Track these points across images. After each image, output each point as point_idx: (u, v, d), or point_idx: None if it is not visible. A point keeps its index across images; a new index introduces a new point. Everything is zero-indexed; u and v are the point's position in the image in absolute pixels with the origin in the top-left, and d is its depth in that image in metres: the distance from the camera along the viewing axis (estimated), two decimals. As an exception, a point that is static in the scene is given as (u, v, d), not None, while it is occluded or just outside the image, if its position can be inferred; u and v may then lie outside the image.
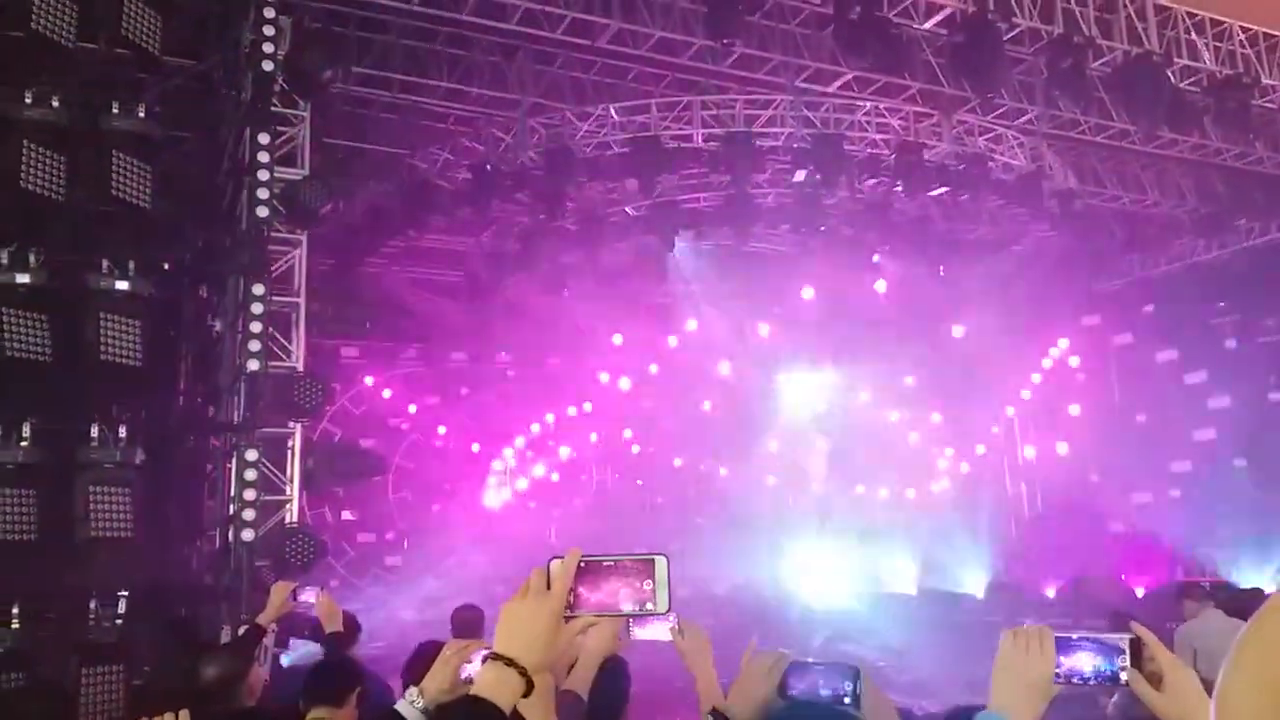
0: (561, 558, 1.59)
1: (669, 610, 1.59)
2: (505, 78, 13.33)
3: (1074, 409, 19.35)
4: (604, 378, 19.46)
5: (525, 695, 1.55)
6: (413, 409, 18.42)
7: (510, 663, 1.53)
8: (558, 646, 1.58)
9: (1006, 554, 19.81)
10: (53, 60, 8.29)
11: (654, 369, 19.13)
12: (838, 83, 13.36)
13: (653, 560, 1.59)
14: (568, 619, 1.58)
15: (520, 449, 20.28)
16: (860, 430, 21.31)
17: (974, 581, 19.90)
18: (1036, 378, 19.61)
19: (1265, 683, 0.70)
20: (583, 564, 1.59)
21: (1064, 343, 19.45)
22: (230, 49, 10.53)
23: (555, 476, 20.46)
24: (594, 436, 20.53)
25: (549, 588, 1.57)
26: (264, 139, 9.77)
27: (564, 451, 20.63)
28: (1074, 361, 19.67)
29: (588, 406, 20.15)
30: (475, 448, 19.44)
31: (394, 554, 17.86)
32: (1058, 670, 1.85)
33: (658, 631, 2.68)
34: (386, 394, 18.11)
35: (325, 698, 3.65)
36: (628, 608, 1.60)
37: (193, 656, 4.82)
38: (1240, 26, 13.39)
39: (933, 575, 20.22)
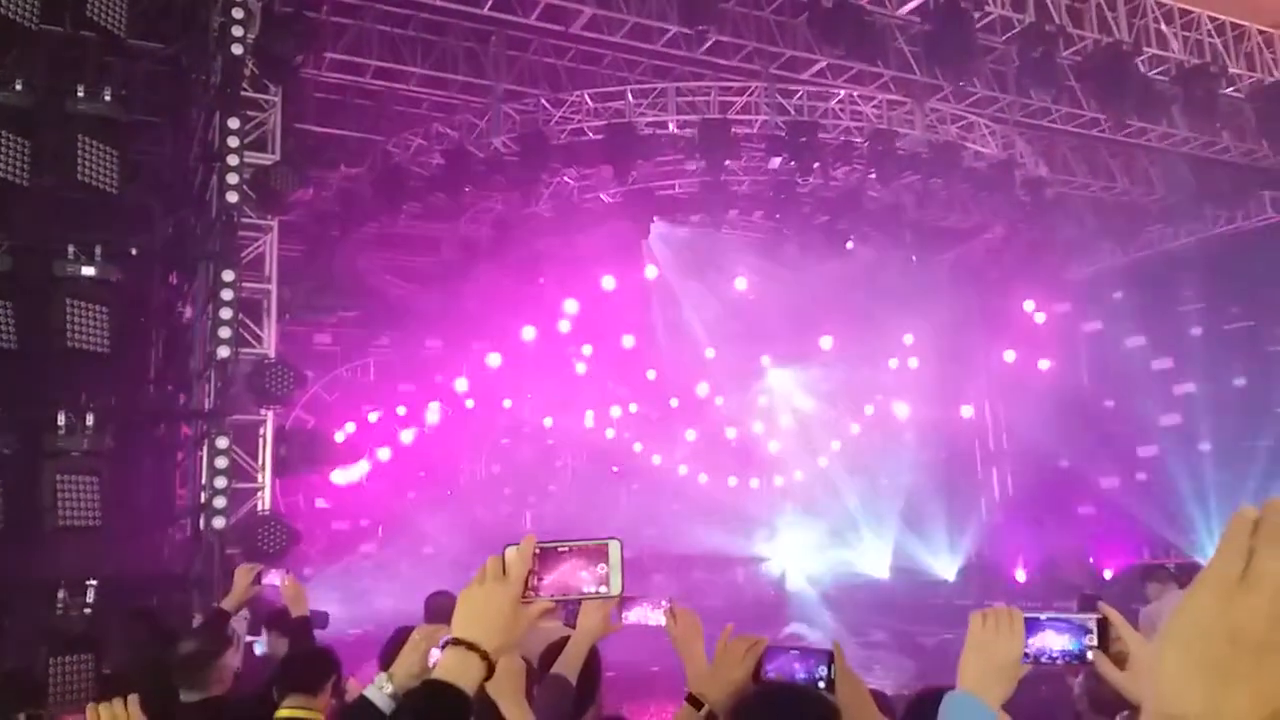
0: (516, 544, 1.61)
1: (622, 592, 1.62)
2: (479, 63, 13.24)
3: (1043, 394, 19.55)
4: (580, 368, 19.44)
5: (487, 678, 1.57)
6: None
7: (471, 646, 1.56)
8: (517, 630, 1.61)
9: (978, 537, 20.06)
10: (16, 42, 8.17)
11: (630, 340, 19.02)
12: (812, 70, 13.39)
13: (606, 545, 1.62)
14: (525, 603, 1.61)
15: (495, 435, 20.24)
16: (833, 416, 21.47)
17: (946, 564, 20.15)
18: (1009, 356, 19.76)
19: (1196, 660, 0.71)
20: (538, 550, 1.62)
21: (1036, 325, 19.61)
22: (199, 32, 10.39)
23: (529, 469, 20.43)
24: (569, 421, 20.51)
25: (505, 573, 1.60)
26: (234, 124, 9.67)
27: (539, 437, 20.61)
28: (1042, 355, 19.85)
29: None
30: (467, 428, 19.36)
31: (369, 541, 17.80)
32: (1026, 650, 1.87)
33: (649, 616, 2.70)
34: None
35: (300, 686, 3.61)
36: (583, 591, 1.63)
37: (163, 645, 4.78)
38: (1208, 16, 13.52)
39: (905, 558, 20.45)
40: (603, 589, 1.61)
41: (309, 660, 3.88)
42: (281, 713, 3.49)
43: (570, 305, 17.48)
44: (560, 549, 1.63)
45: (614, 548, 1.62)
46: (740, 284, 18.31)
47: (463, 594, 1.62)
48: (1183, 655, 0.71)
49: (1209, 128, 14.23)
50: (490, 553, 1.64)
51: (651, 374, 19.85)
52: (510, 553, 1.61)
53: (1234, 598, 0.70)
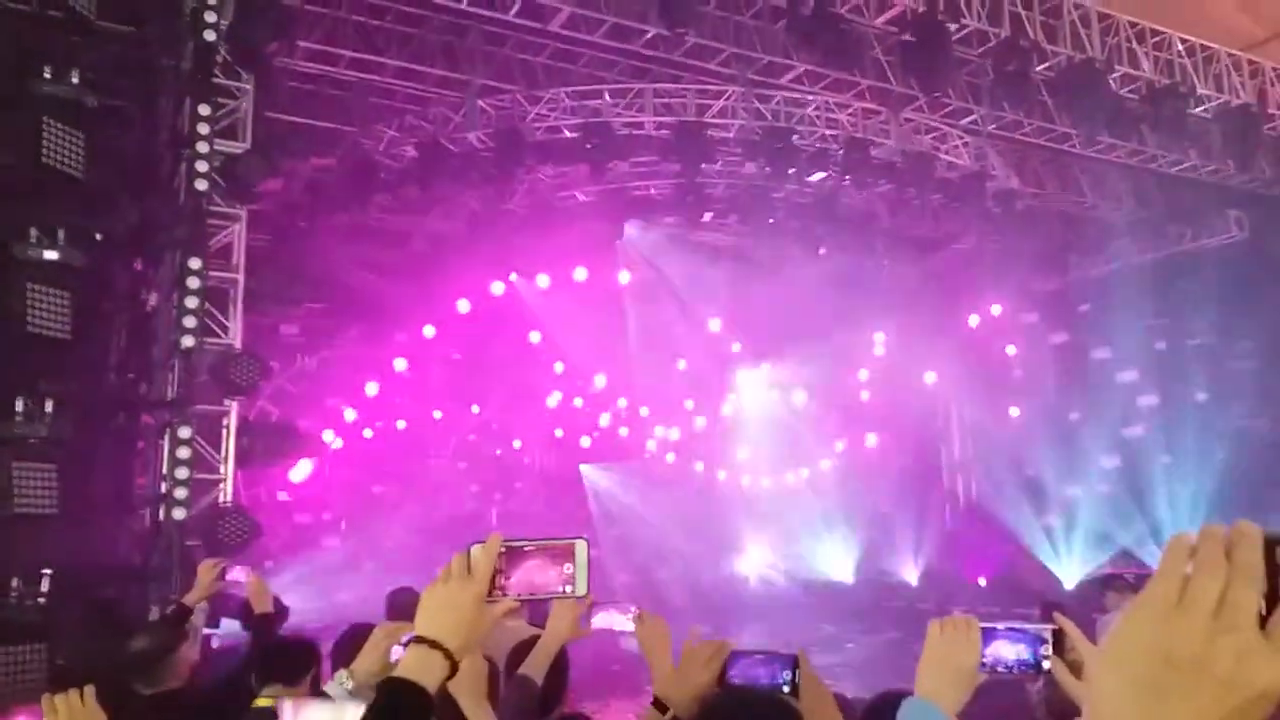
0: (483, 543, 1.61)
1: (588, 593, 1.62)
2: (456, 58, 13.18)
3: (1011, 405, 19.78)
4: (558, 367, 19.39)
5: (449, 677, 1.56)
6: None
7: (434, 645, 1.55)
8: (480, 629, 1.60)
9: (941, 543, 20.25)
10: (-19, 21, 8.01)
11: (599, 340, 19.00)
12: (789, 76, 13.44)
13: (573, 544, 1.61)
14: (490, 603, 1.60)
15: (462, 432, 20.15)
16: (800, 420, 21.59)
17: (909, 569, 20.33)
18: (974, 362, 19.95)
19: (1133, 679, 0.73)
20: (504, 549, 1.61)
21: (1003, 335, 19.83)
22: (170, 16, 10.23)
23: (496, 466, 20.36)
24: (537, 419, 20.49)
25: (470, 572, 1.59)
26: (204, 111, 9.56)
27: (506, 435, 20.56)
28: (1009, 365, 20.07)
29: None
30: (433, 424, 19.26)
31: (331, 535, 17.63)
32: (983, 659, 1.92)
33: (617, 620, 2.70)
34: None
35: (280, 677, 3.58)
36: (550, 590, 1.62)
37: (119, 637, 4.72)
38: (1179, 37, 13.75)
39: (869, 563, 20.61)
40: (569, 589, 1.60)
41: (291, 651, 3.85)
42: (260, 702, 3.47)
43: (544, 305, 17.48)
44: (526, 548, 1.61)
45: (580, 547, 1.61)
46: (713, 285, 18.37)
47: (426, 592, 1.62)
48: (1120, 674, 0.74)
49: (1177, 146, 14.48)
50: (455, 549, 1.63)
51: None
52: (476, 551, 1.60)
53: (1170, 620, 0.73)
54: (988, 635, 1.92)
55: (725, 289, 18.57)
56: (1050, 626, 1.97)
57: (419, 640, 1.56)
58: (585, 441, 21.29)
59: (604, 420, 21.18)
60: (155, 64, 10.70)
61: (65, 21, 8.66)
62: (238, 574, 5.06)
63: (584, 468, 21.51)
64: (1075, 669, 1.93)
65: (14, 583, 7.74)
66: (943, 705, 1.84)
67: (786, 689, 2.30)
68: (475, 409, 19.62)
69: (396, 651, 2.58)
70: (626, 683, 9.35)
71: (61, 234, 8.32)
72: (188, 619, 4.95)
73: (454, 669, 1.56)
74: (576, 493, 20.95)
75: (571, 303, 17.55)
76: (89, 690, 2.51)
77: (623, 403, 20.81)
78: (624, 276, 17.87)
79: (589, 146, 13.12)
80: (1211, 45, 14.04)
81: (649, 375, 19.73)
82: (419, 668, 1.54)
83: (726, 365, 21.10)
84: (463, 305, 16.72)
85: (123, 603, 8.97)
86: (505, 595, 1.60)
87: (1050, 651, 1.95)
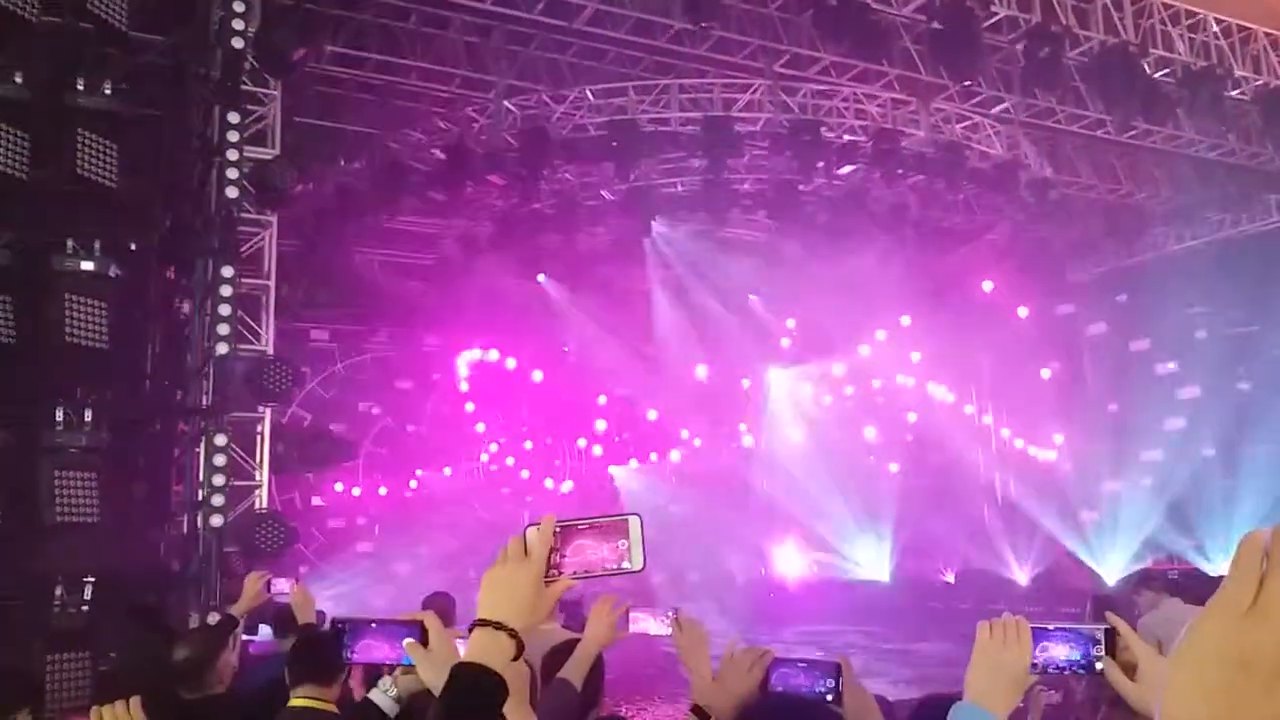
0: (537, 525, 1.62)
1: (644, 567, 1.62)
2: (481, 58, 13.20)
3: (1048, 399, 19.51)
4: (586, 369, 19.37)
5: (515, 658, 1.57)
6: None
7: (499, 626, 1.55)
8: (542, 609, 1.61)
9: (978, 541, 20.00)
10: (15, 35, 8.11)
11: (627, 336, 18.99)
12: (816, 68, 13.33)
13: (626, 520, 1.64)
14: (548, 583, 1.61)
15: (494, 434, 20.20)
16: (835, 418, 21.44)
17: (945, 568, 20.12)
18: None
19: (1206, 685, 0.72)
20: (558, 529, 1.62)
21: (1040, 327, 19.55)
22: (199, 25, 10.34)
23: (527, 468, 20.40)
24: (568, 420, 20.51)
25: (527, 553, 1.60)
26: (234, 118, 9.64)
27: (537, 438, 20.59)
28: (1046, 357, 19.78)
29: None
30: (465, 428, 19.33)
31: (365, 540, 17.74)
32: (1034, 660, 1.87)
33: (655, 626, 2.70)
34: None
35: (314, 676, 3.55)
36: (606, 567, 1.63)
37: (160, 643, 4.77)
38: (1214, 18, 13.47)
39: (906, 562, 20.41)
40: (625, 565, 1.61)
41: (325, 649, 3.82)
42: (295, 702, 3.46)
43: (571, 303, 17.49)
44: (580, 526, 1.63)
45: (634, 523, 1.63)
46: (742, 283, 18.30)
47: (486, 576, 1.62)
48: (1192, 679, 0.73)
49: (1214, 130, 14.20)
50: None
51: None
52: (531, 533, 1.61)
53: (1245, 625, 0.71)
54: (1038, 635, 1.87)
55: (754, 285, 18.47)
56: (1102, 626, 1.91)
57: (483, 623, 1.56)
58: (616, 442, 21.28)
59: (633, 421, 21.15)
60: (185, 72, 10.83)
61: (97, 33, 8.76)
62: (282, 585, 5.12)
63: (614, 469, 21.50)
64: (1128, 669, 1.87)
65: (58, 591, 7.83)
66: (993, 708, 1.79)
67: (830, 696, 2.26)
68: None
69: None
70: (664, 686, 9.31)
71: (97, 245, 8.42)
72: (235, 628, 4.99)
73: (520, 648, 1.57)
74: (608, 495, 20.94)
75: (599, 302, 17.53)
76: (135, 701, 2.51)
77: (652, 406, 20.76)
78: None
79: (615, 144, 13.09)
80: (1249, 25, 13.75)
81: (678, 374, 19.66)
82: (488, 649, 1.55)
83: (756, 362, 20.98)
84: (492, 308, 16.73)
85: (164, 609, 9.07)
86: (562, 574, 1.61)
87: (1102, 652, 1.89)
